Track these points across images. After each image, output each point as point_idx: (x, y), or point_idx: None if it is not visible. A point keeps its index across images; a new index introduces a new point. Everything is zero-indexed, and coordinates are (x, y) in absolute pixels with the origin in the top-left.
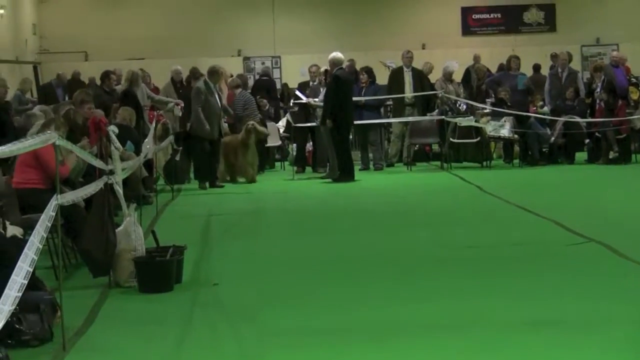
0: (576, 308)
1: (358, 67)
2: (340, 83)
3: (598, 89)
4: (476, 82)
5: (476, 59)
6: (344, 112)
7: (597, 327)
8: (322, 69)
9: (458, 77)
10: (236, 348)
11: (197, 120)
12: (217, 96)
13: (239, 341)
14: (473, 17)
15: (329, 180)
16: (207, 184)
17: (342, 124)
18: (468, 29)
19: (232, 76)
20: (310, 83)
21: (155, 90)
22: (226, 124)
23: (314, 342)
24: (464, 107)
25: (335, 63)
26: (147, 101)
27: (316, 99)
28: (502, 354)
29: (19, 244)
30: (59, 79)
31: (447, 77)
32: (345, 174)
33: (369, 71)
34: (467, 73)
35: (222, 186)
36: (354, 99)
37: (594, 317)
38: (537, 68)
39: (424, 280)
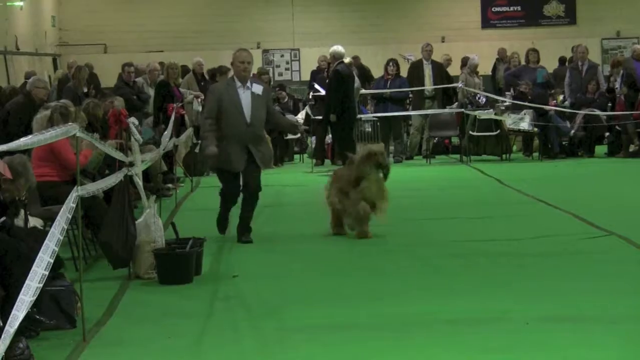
0: (596, 303)
1: (379, 60)
2: (341, 78)
3: (617, 85)
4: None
5: (500, 52)
6: (346, 107)
7: (618, 322)
8: (328, 62)
9: (479, 69)
10: (256, 342)
11: (202, 139)
12: (248, 102)
13: (259, 335)
14: (493, 10)
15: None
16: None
17: (344, 118)
18: (488, 22)
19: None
20: (324, 74)
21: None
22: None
23: (334, 338)
24: (484, 100)
25: (335, 57)
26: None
27: None
28: (523, 350)
29: (38, 236)
30: (69, 70)
31: (473, 69)
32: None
33: (396, 63)
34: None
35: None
36: (379, 91)
37: (614, 312)
38: (562, 61)
39: (444, 276)
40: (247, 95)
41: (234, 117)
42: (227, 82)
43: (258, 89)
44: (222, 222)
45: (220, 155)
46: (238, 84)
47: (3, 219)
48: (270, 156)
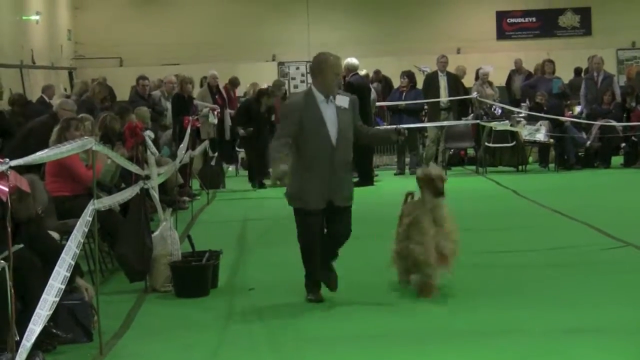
0: (613, 314)
1: (394, 71)
2: (353, 90)
3: (633, 104)
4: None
5: (517, 63)
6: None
7: (635, 333)
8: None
9: (495, 80)
10: (273, 354)
11: (272, 162)
12: (333, 118)
13: (275, 347)
14: (508, 21)
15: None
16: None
17: None
18: (503, 33)
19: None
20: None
21: None
22: None
23: (350, 349)
24: (499, 111)
25: (349, 69)
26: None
27: None
28: None
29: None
30: (82, 86)
31: (484, 79)
32: (363, 179)
33: (410, 75)
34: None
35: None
36: (394, 103)
37: (632, 323)
38: (578, 72)
39: (460, 287)
40: (331, 109)
41: (317, 138)
42: (306, 94)
43: (344, 101)
44: (312, 285)
45: (297, 190)
46: (320, 96)
47: (21, 246)
48: (351, 191)
